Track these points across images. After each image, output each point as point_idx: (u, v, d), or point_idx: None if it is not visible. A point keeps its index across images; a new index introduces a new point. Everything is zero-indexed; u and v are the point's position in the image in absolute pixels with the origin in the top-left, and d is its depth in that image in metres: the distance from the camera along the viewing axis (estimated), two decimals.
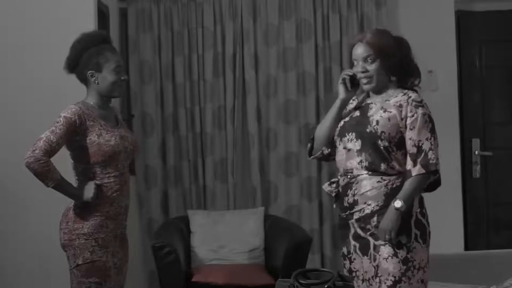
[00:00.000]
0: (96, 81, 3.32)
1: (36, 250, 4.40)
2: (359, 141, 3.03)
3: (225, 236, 4.98)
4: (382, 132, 2.99)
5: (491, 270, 4.17)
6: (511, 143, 5.71)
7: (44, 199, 3.97)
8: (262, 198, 5.40)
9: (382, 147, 2.99)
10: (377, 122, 3.01)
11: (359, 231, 3.03)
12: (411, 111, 2.99)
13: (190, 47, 5.39)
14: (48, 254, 4.24)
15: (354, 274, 3.10)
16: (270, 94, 5.44)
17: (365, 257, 3.03)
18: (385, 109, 3.04)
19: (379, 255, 2.98)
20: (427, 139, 2.98)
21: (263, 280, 4.63)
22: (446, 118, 5.22)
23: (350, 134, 3.07)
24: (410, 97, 3.03)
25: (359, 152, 3.02)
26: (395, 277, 2.95)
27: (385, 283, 2.96)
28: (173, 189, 5.39)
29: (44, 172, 3.14)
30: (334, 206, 3.19)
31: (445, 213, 5.11)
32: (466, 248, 5.54)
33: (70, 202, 3.31)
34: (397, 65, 3.07)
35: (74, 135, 3.23)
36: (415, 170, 2.95)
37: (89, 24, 4.34)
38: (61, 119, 3.21)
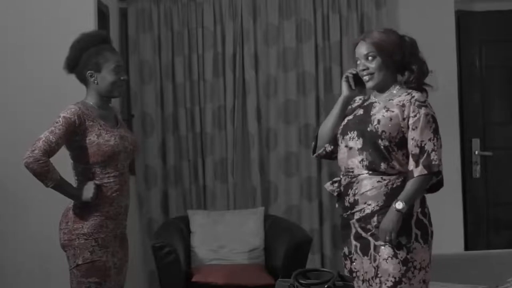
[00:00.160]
0: (96, 81, 3.32)
1: (36, 250, 4.39)
2: (361, 140, 3.02)
3: (225, 236, 4.98)
4: (382, 131, 2.98)
5: (491, 270, 4.16)
6: (511, 143, 5.71)
7: (44, 199, 3.97)
8: (262, 198, 5.40)
9: (382, 147, 2.98)
10: (379, 121, 3.00)
11: (360, 231, 3.03)
12: (413, 111, 2.98)
13: (190, 47, 5.39)
14: (48, 254, 4.24)
15: (354, 274, 3.10)
16: (270, 94, 5.44)
17: (366, 257, 3.02)
18: (387, 108, 3.03)
19: (379, 256, 2.97)
20: (430, 139, 2.96)
21: (263, 280, 4.63)
22: (446, 118, 5.19)
23: (352, 132, 3.06)
24: (414, 97, 3.01)
25: (360, 150, 3.02)
26: (395, 278, 2.94)
27: (385, 284, 2.95)
28: (173, 189, 5.39)
29: (43, 172, 3.13)
30: (336, 205, 3.18)
31: (445, 213, 5.09)
32: (466, 248, 5.54)
33: (70, 202, 3.31)
34: (400, 63, 3.06)
35: (73, 135, 3.23)
36: (417, 171, 2.94)
37: (89, 24, 4.34)
38: (60, 119, 3.21)
